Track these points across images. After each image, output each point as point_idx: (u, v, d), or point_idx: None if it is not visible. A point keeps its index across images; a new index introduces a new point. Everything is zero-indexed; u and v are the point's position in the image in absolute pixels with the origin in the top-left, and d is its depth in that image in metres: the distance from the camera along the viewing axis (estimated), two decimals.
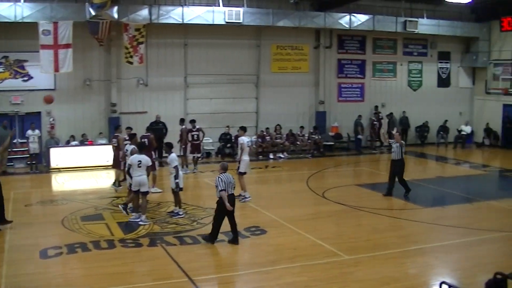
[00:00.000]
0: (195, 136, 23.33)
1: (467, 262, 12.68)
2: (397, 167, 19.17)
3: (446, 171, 26.07)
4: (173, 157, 16.09)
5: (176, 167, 15.88)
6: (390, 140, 21.31)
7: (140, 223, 15.27)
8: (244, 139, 18.50)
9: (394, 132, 24.04)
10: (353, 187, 21.32)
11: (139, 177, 15.43)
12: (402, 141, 19.40)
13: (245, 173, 18.43)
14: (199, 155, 23.83)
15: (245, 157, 18.41)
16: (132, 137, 18.27)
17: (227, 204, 13.14)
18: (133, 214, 15.78)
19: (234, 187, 13.59)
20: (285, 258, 12.75)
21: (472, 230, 15.18)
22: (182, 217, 15.97)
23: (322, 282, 11.27)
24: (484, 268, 11.77)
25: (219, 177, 13.32)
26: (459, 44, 34.06)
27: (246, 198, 18.15)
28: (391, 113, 31.33)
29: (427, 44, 33.30)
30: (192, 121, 23.65)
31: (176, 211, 16.24)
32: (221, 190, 13.13)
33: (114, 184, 20.00)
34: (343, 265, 12.32)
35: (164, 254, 12.99)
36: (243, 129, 18.94)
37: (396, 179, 19.28)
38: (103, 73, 26.00)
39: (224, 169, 13.69)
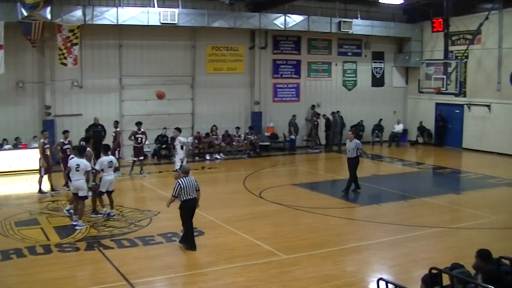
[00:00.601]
0: (140, 139, 24.29)
1: (403, 258, 13.51)
2: (351, 164, 21.07)
3: (382, 169, 27.70)
4: (101, 160, 16.80)
5: (102, 170, 16.72)
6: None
7: (77, 228, 15.68)
8: (183, 139, 19.99)
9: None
10: (290, 187, 22.45)
11: (77, 181, 15.88)
12: (357, 141, 21.17)
13: None
14: (142, 158, 24.51)
15: (181, 156, 20.16)
16: (88, 140, 19.29)
17: (168, 205, 14.18)
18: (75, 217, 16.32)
19: (198, 190, 13.91)
20: (223, 259, 13.19)
21: (407, 226, 16.27)
22: (100, 218, 16.62)
23: (261, 282, 11.74)
24: (419, 263, 12.79)
25: (178, 181, 13.74)
26: (393, 44, 36.62)
27: None
28: (334, 112, 33.27)
29: (361, 45, 35.56)
30: (138, 123, 24.50)
31: (106, 212, 16.90)
32: (172, 196, 13.81)
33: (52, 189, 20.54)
34: (281, 264, 12.87)
35: (102, 257, 13.28)
36: (179, 130, 20.51)
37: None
38: (36, 75, 26.35)
39: (186, 173, 14.01)
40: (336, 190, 21.73)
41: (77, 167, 15.90)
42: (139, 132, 24.35)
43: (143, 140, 24.59)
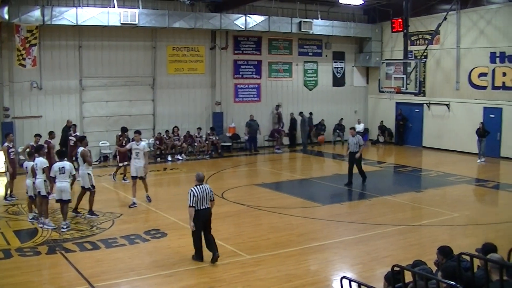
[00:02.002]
0: (124, 143, 23.06)
1: (366, 257, 13.58)
2: (354, 159, 22.31)
3: (343, 169, 26.97)
4: (53, 166, 16.22)
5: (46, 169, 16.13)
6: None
7: (45, 227, 15.74)
8: (144, 144, 19.33)
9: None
10: (252, 187, 22.55)
11: (61, 183, 15.80)
12: (359, 136, 22.55)
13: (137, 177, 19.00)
14: (126, 163, 22.76)
15: (143, 162, 18.97)
16: (82, 139, 18.76)
17: (191, 224, 12.82)
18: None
19: (212, 200, 13.12)
20: (186, 260, 13.18)
21: (369, 225, 16.47)
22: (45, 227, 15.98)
23: (225, 283, 11.80)
24: (382, 261, 13.01)
25: (191, 190, 12.78)
26: (353, 44, 37.06)
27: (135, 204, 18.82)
28: (301, 112, 33.48)
29: (321, 45, 35.87)
30: (123, 129, 23.88)
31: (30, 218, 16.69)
32: (189, 206, 12.71)
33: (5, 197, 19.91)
34: (244, 264, 12.92)
35: (64, 261, 13.17)
36: (139, 133, 19.73)
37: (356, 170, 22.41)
38: None
39: (200, 180, 13.00)
40: (298, 190, 21.96)
41: (61, 170, 15.80)
42: (121, 137, 23.54)
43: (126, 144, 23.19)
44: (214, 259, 12.91)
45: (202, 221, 12.84)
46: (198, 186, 12.82)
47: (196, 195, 12.66)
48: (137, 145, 18.93)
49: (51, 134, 21.85)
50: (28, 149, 18.84)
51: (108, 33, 28.21)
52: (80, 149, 17.62)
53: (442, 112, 32.43)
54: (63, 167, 15.93)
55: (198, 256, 13.08)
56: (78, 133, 23.94)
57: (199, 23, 29.21)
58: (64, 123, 25.94)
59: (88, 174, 17.36)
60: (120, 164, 23.20)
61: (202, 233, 13.03)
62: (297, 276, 12.28)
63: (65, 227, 15.79)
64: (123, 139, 23.26)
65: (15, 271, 12.57)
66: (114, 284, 11.89)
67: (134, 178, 19.05)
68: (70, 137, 23.27)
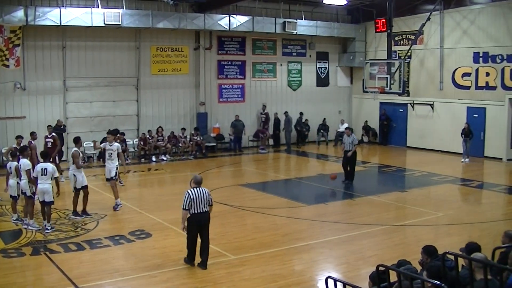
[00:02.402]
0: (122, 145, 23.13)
1: (350, 256, 13.66)
2: (349, 157, 22.74)
3: (327, 169, 27.78)
4: (36, 167, 16.04)
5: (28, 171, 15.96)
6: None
7: (29, 228, 15.70)
8: (118, 145, 18.82)
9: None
10: (236, 187, 22.53)
11: (43, 185, 15.58)
12: (354, 136, 23.17)
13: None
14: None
15: (116, 163, 18.50)
16: (77, 140, 18.47)
17: (182, 226, 12.71)
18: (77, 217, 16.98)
19: (211, 204, 12.76)
20: (171, 261, 13.23)
21: (354, 225, 16.52)
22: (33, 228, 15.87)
23: (210, 283, 11.80)
24: (367, 261, 13.09)
25: (187, 192, 12.46)
26: (337, 44, 37.23)
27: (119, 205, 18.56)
28: (286, 112, 33.48)
29: (305, 45, 35.98)
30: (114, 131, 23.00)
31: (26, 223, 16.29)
32: (183, 209, 12.43)
33: None
34: (229, 265, 12.89)
35: (49, 262, 13.10)
36: (114, 133, 19.44)
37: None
38: None
39: (197, 183, 12.66)
40: (283, 190, 22.05)
41: (44, 171, 15.61)
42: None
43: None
44: (202, 264, 12.69)
45: (197, 225, 12.55)
46: (195, 189, 12.49)
47: (192, 198, 12.34)
48: (110, 145, 18.51)
49: (33, 135, 21.75)
50: (11, 151, 18.84)
51: (92, 34, 28.05)
52: (73, 149, 17.53)
53: (426, 112, 32.61)
54: (45, 168, 15.69)
55: (190, 258, 12.85)
56: (54, 134, 23.27)
57: (183, 24, 29.17)
58: (48, 123, 25.61)
59: (74, 175, 17.29)
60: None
61: (198, 237, 12.79)
62: (282, 276, 12.28)
63: (49, 228, 15.62)
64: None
65: None
66: (99, 285, 11.83)
67: (108, 180, 18.78)
68: (47, 139, 22.82)
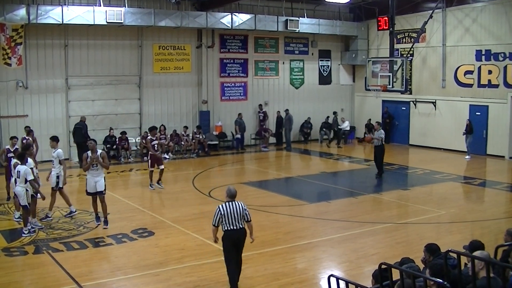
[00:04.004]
0: (156, 146, 22.00)
1: (353, 254, 13.67)
2: (378, 152, 23.64)
3: (330, 167, 27.99)
4: (29, 161, 15.74)
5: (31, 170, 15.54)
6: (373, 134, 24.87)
7: (32, 226, 15.58)
8: (60, 152, 17.26)
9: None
10: (239, 186, 21.65)
11: (16, 188, 15.35)
12: (382, 131, 24.00)
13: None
14: (163, 166, 21.99)
15: (57, 170, 17.07)
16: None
17: (214, 239, 11.60)
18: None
19: (248, 220, 11.40)
20: (173, 259, 13.28)
21: (356, 223, 16.54)
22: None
23: (212, 282, 11.78)
24: (369, 259, 13.10)
25: (218, 207, 11.23)
26: (339, 42, 37.25)
27: (73, 212, 17.41)
28: (287, 110, 33.43)
29: (308, 43, 35.98)
30: (153, 128, 22.59)
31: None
32: (213, 225, 11.35)
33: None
34: None
35: (51, 261, 13.11)
36: (56, 140, 17.62)
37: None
38: None
39: (231, 197, 11.34)
40: (285, 188, 22.06)
41: (17, 174, 15.32)
42: (154, 139, 22.03)
43: (157, 146, 22.20)
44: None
45: (232, 244, 11.23)
46: (228, 203, 11.21)
47: (222, 213, 11.09)
48: (53, 152, 17.17)
49: (30, 133, 21.73)
50: (4, 153, 18.92)
51: (94, 32, 28.14)
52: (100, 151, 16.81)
53: (429, 110, 32.59)
54: (19, 171, 15.26)
55: (231, 286, 11.33)
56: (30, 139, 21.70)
57: (185, 22, 29.17)
58: (51, 122, 26.69)
59: (57, 176, 16.97)
60: (151, 169, 21.64)
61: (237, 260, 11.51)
62: (285, 274, 12.27)
63: (25, 232, 15.22)
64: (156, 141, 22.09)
65: (2, 271, 12.48)
66: (102, 284, 11.83)
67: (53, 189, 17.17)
68: (24, 140, 21.33)
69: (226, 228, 11.15)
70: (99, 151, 16.52)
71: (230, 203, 11.20)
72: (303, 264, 13.16)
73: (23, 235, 15.13)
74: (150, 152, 21.65)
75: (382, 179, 23.83)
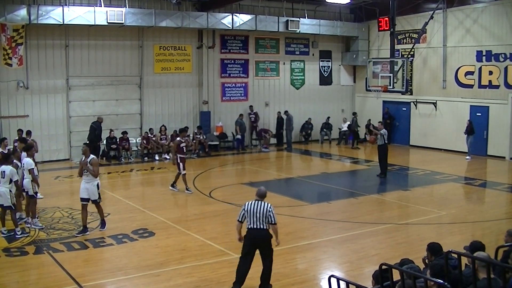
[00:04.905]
0: (184, 148, 21.54)
1: (353, 255, 13.65)
2: (381, 151, 23.78)
3: (331, 167, 27.99)
4: (30, 162, 15.90)
5: (32, 170, 15.77)
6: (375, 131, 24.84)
7: (32, 226, 15.72)
8: (29, 161, 16.20)
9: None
10: (239, 186, 22.51)
11: (0, 188, 14.99)
12: (385, 130, 23.99)
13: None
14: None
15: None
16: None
17: (237, 236, 11.67)
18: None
19: (272, 223, 11.31)
20: (174, 259, 13.27)
21: (357, 223, 16.52)
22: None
23: (212, 282, 11.83)
24: (370, 260, 13.12)
25: (245, 203, 11.42)
26: (340, 43, 37.25)
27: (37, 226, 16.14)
28: (287, 111, 33.40)
29: (308, 43, 35.97)
30: (183, 130, 22.30)
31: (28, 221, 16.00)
32: (237, 220, 11.51)
33: None
34: (232, 263, 12.49)
35: (52, 261, 13.11)
36: (28, 148, 16.79)
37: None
38: None
39: (259, 196, 11.43)
40: (286, 188, 22.06)
41: (2, 174, 14.99)
42: (183, 141, 21.62)
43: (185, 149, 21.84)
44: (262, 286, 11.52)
45: (251, 242, 11.34)
46: (254, 201, 11.30)
47: (246, 209, 11.26)
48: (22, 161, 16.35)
49: (29, 134, 21.91)
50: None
51: (95, 32, 28.12)
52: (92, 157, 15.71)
53: (429, 111, 32.58)
54: (3, 171, 15.00)
55: (234, 283, 11.44)
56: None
57: (186, 22, 29.14)
58: (51, 122, 26.76)
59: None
60: (185, 172, 21.11)
61: (251, 259, 11.51)
62: (285, 275, 12.27)
63: (19, 233, 15.12)
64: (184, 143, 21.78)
65: (2, 271, 12.48)
66: (102, 284, 11.87)
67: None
68: (15, 143, 21.58)
69: (248, 226, 11.30)
70: (91, 157, 15.43)
71: (257, 202, 11.29)
72: (304, 264, 13.16)
73: (16, 236, 15.05)
74: (180, 155, 20.93)
75: (382, 179, 23.87)
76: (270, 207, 11.27)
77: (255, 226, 11.18)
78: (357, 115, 35.28)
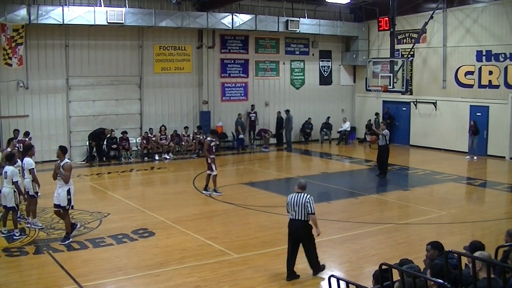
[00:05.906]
0: (214, 148, 21.22)
1: (353, 255, 13.64)
2: (382, 152, 23.85)
3: (331, 167, 27.97)
4: (30, 161, 15.82)
5: (32, 170, 15.71)
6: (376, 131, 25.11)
7: (32, 226, 15.71)
8: (29, 161, 16.04)
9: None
10: (239, 186, 22.55)
11: (3, 189, 15.11)
12: (387, 130, 24.01)
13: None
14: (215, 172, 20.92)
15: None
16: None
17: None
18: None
19: (309, 212, 11.78)
20: (174, 259, 13.25)
21: (357, 223, 16.52)
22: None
23: (213, 282, 11.80)
24: (370, 260, 13.11)
25: (288, 196, 12.18)
26: (340, 43, 37.28)
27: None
28: (287, 110, 33.29)
29: (308, 43, 35.99)
30: (213, 132, 22.25)
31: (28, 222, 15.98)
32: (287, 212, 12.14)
33: None
34: (232, 263, 12.91)
35: (52, 261, 13.11)
36: (27, 149, 16.55)
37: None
38: None
39: (300, 188, 12.16)
40: (286, 188, 21.96)
41: (5, 174, 15.06)
42: (214, 140, 21.23)
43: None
44: (314, 273, 12.27)
45: (290, 233, 12.02)
46: (295, 194, 11.99)
47: (287, 202, 12.06)
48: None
49: (27, 135, 22.20)
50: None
51: (95, 32, 28.13)
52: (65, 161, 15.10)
53: (429, 111, 32.59)
54: (6, 171, 15.03)
55: (287, 274, 12.06)
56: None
57: (186, 22, 29.16)
58: (51, 122, 26.84)
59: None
60: (215, 173, 20.70)
61: (296, 250, 12.11)
62: (285, 274, 12.20)
63: (17, 234, 15.10)
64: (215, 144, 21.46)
65: (2, 271, 12.49)
66: (102, 284, 11.86)
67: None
68: (17, 144, 21.30)
69: (289, 217, 11.98)
70: (65, 161, 14.63)
71: (297, 194, 11.96)
72: (304, 264, 12.75)
73: (14, 237, 14.98)
74: (212, 156, 20.59)
75: (382, 179, 23.89)
76: (308, 198, 11.86)
77: (292, 217, 11.87)
78: (379, 115, 35.01)
